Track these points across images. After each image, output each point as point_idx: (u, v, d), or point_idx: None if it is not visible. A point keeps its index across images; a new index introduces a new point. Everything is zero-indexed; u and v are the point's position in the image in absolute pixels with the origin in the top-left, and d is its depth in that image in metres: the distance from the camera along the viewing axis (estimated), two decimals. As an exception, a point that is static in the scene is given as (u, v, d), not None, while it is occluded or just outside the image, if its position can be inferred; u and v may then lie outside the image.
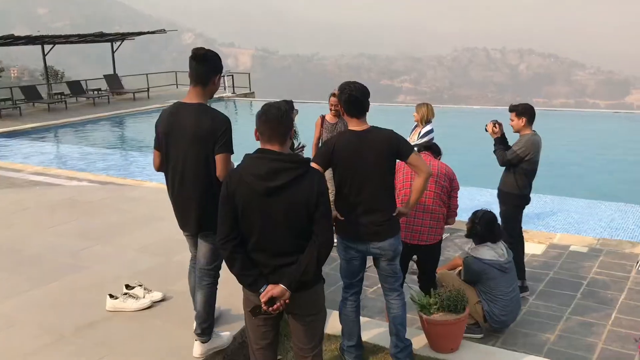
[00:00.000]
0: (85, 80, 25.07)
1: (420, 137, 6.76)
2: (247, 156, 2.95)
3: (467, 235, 4.88)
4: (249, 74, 26.54)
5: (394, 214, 3.85)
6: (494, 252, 4.64)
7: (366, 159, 3.70)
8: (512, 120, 5.36)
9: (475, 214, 4.85)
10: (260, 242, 2.92)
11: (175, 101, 3.73)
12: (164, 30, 25.63)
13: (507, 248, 4.77)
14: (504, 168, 5.38)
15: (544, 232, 7.27)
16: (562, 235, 6.97)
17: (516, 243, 5.33)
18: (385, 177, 3.82)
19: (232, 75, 25.62)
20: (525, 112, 5.31)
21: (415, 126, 6.97)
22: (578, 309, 5.07)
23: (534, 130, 5.36)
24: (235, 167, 3.03)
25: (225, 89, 24.91)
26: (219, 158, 3.54)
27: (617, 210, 8.57)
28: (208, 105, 3.67)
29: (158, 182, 10.70)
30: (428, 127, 6.83)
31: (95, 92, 24.11)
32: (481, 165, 7.00)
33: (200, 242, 3.79)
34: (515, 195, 5.38)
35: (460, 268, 4.93)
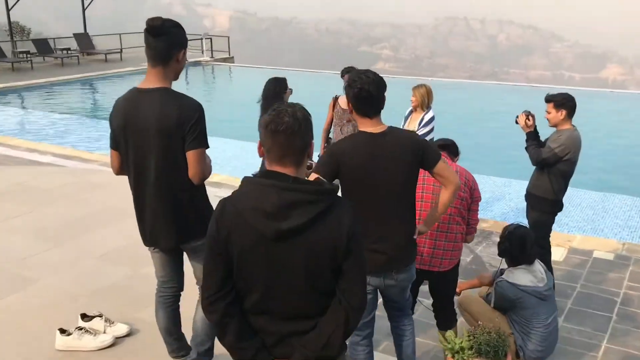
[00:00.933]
0: (54, 38, 23.54)
1: (422, 126, 5.90)
2: (246, 181, 2.08)
3: (499, 254, 4.11)
4: (228, 37, 25.18)
5: (414, 236, 3.10)
6: (531, 277, 3.88)
7: (384, 170, 2.90)
8: (549, 113, 4.59)
9: (505, 228, 4.09)
10: (263, 302, 2.08)
11: (131, 87, 2.89)
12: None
13: (546, 271, 4.01)
14: (529, 165, 4.68)
15: (560, 232, 6.57)
16: (583, 238, 6.31)
17: (545, 254, 4.65)
18: (408, 192, 3.03)
19: (211, 39, 24.32)
20: (565, 103, 4.54)
21: (411, 112, 6.08)
22: (617, 335, 4.43)
23: (573, 125, 4.59)
24: (230, 195, 2.16)
25: (203, 53, 23.67)
26: (191, 155, 2.79)
27: (633, 206, 7.91)
28: (172, 89, 2.85)
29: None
30: (430, 114, 5.95)
31: (64, 52, 22.58)
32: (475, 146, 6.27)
33: (192, 260, 3.08)
34: (549, 201, 4.66)
35: (487, 289, 4.18)
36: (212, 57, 23.91)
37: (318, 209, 1.99)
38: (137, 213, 3.01)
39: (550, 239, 4.89)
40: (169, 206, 2.90)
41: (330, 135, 6.32)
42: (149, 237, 3.02)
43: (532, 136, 4.67)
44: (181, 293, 3.24)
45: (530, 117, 4.67)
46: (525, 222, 4.76)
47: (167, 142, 2.78)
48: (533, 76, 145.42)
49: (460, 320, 4.15)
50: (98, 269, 4.73)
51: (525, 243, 3.93)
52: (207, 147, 2.87)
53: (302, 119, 2.06)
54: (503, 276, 3.95)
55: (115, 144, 2.94)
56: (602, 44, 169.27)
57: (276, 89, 5.57)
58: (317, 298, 2.09)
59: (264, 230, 1.98)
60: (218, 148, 11.58)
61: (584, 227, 7.22)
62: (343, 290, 2.07)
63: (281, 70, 22.77)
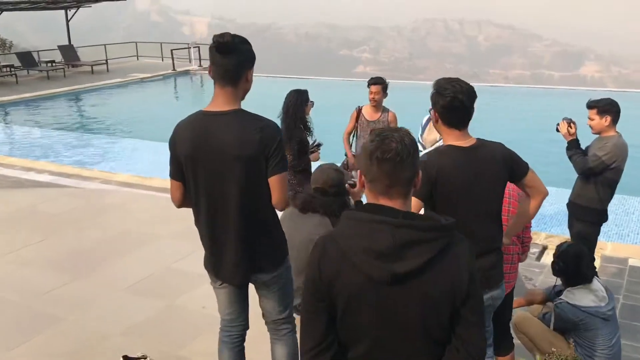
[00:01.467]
0: (38, 51, 23.00)
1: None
2: (348, 216, 1.84)
3: (554, 274, 3.91)
4: (216, 45, 24.79)
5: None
6: (593, 296, 3.67)
7: (480, 186, 2.69)
8: (592, 120, 4.43)
9: (558, 247, 3.90)
10: (371, 353, 1.84)
11: (197, 111, 2.67)
12: (124, -3, 23.65)
13: (606, 288, 3.81)
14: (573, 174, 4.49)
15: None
16: (615, 245, 6.16)
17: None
18: (500, 207, 2.85)
19: (199, 47, 23.95)
20: (609, 109, 4.38)
21: (429, 120, 5.84)
22: (673, 351, 4.24)
23: (618, 132, 4.43)
24: (329, 233, 1.92)
25: (191, 62, 23.33)
26: (276, 180, 2.59)
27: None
28: (246, 110, 2.64)
29: (131, 174, 9.47)
30: None
31: (49, 64, 22.05)
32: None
33: (263, 294, 2.85)
34: (596, 211, 4.50)
35: (539, 308, 3.98)
36: (200, 65, 23.54)
37: (436, 248, 1.76)
38: (208, 247, 2.78)
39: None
40: (251, 237, 2.68)
41: (352, 150, 6.10)
42: (224, 273, 2.78)
43: (575, 144, 4.51)
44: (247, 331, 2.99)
45: (572, 125, 4.50)
46: (566, 233, 4.59)
47: (249, 168, 2.56)
48: (512, 76, 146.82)
49: (517, 343, 3.94)
50: (127, 303, 4.39)
51: (582, 261, 3.74)
52: (287, 170, 2.67)
53: (410, 145, 1.83)
54: (562, 297, 3.74)
55: (178, 174, 2.69)
56: (579, 42, 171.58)
57: (297, 101, 5.33)
58: (431, 348, 1.85)
59: (376, 274, 1.75)
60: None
61: (607, 233, 7.07)
62: (461, 338, 1.84)
63: (271, 78, 22.57)
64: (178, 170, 2.67)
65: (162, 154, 12.00)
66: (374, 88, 5.83)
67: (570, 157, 4.50)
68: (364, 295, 1.77)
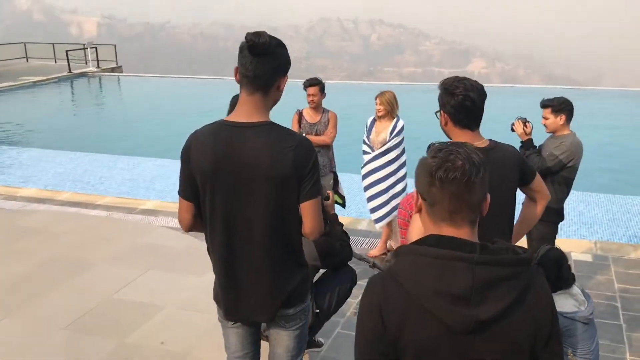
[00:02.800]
0: None
1: (395, 135, 5.56)
2: (410, 251, 1.56)
3: None
4: (115, 45, 23.56)
5: None
6: (574, 301, 3.63)
7: (499, 190, 2.48)
8: (547, 119, 4.45)
9: (537, 252, 3.83)
10: None
11: (218, 120, 2.28)
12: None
13: (583, 291, 3.80)
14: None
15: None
16: (557, 241, 6.29)
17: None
18: (514, 213, 2.72)
19: (96, 47, 22.58)
20: (564, 108, 4.42)
21: (374, 121, 5.72)
22: (634, 345, 4.33)
23: (571, 130, 4.48)
24: (384, 272, 1.63)
25: (88, 63, 21.96)
26: (309, 206, 2.26)
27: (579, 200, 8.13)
28: (278, 124, 2.28)
29: (38, 188, 8.62)
30: (401, 122, 5.62)
31: None
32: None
33: (277, 333, 2.46)
34: (553, 210, 4.51)
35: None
36: (98, 67, 22.19)
37: (520, 286, 1.52)
38: (224, 279, 2.37)
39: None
40: (276, 270, 2.32)
41: None
42: (244, 310, 2.38)
43: (530, 144, 4.50)
44: None
45: (527, 124, 4.49)
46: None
47: (280, 190, 2.20)
48: (406, 73, 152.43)
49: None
50: (72, 344, 3.79)
51: (562, 266, 3.69)
52: (322, 194, 2.34)
53: (479, 163, 1.58)
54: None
55: (190, 193, 2.29)
56: (465, 40, 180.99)
57: None
58: None
59: (454, 322, 1.48)
60: (136, 168, 10.74)
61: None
62: None
63: (178, 79, 21.74)
64: (191, 188, 2.26)
65: (68, 164, 11.15)
66: (311, 90, 5.61)
67: (526, 157, 4.48)
68: (438, 346, 1.51)
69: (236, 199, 2.22)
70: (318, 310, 3.41)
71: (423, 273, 1.50)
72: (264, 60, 2.16)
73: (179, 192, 2.32)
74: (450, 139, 2.66)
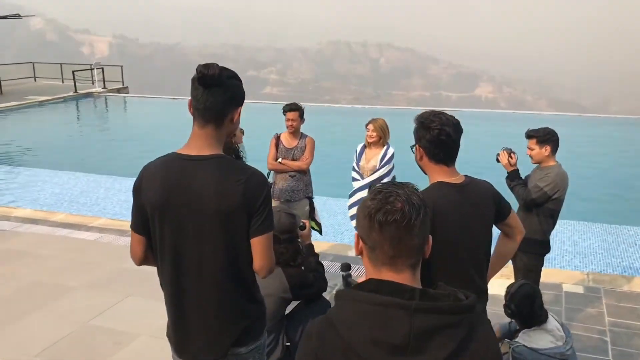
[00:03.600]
0: None
1: (385, 163, 5.51)
2: (347, 296, 1.51)
3: (508, 317, 3.78)
4: (122, 66, 23.80)
5: None
6: (551, 337, 3.56)
7: (476, 226, 2.49)
8: (532, 149, 4.40)
9: (507, 289, 3.76)
10: None
11: (170, 152, 2.24)
12: (20, 16, 22.11)
13: (562, 325, 3.72)
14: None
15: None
16: (547, 271, 6.17)
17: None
18: (490, 250, 2.66)
19: (102, 68, 22.79)
20: (549, 138, 4.36)
21: (364, 147, 5.68)
22: (622, 381, 4.24)
23: (557, 161, 4.43)
24: (323, 318, 1.57)
25: (94, 83, 22.15)
26: (259, 242, 2.19)
27: (574, 230, 8.03)
28: (228, 157, 2.25)
29: (33, 209, 8.61)
30: (392, 150, 5.59)
31: None
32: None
33: None
34: (538, 242, 4.45)
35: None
36: (104, 87, 22.38)
37: (461, 334, 1.45)
38: (173, 317, 2.31)
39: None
40: (227, 308, 2.25)
41: (270, 179, 5.76)
42: (192, 350, 2.31)
43: (516, 175, 4.45)
44: None
45: (512, 155, 4.44)
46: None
47: (228, 226, 2.14)
48: (413, 97, 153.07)
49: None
50: None
51: (534, 303, 3.63)
52: (273, 229, 2.27)
53: (419, 204, 1.52)
54: (519, 339, 3.60)
55: (141, 226, 2.24)
56: (473, 64, 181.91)
57: None
58: None
59: None
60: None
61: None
62: None
63: (183, 100, 21.84)
64: (142, 221, 2.22)
65: (65, 185, 11.16)
66: (290, 115, 5.60)
67: (512, 188, 4.43)
68: None
69: (184, 233, 2.17)
70: (289, 343, 3.34)
71: (360, 320, 1.44)
72: (214, 92, 2.13)
73: (131, 225, 2.28)
74: (425, 174, 2.62)
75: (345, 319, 1.47)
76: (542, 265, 4.63)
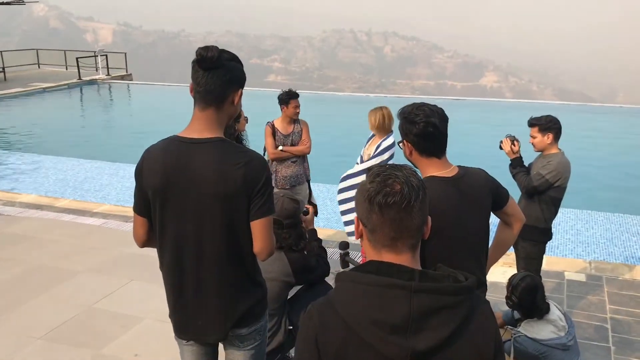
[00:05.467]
0: None
1: (377, 154, 5.44)
2: (347, 278, 1.51)
3: (510, 308, 3.80)
4: (125, 53, 23.75)
5: None
6: (552, 327, 3.57)
7: (471, 218, 2.44)
8: (534, 137, 4.38)
9: (509, 281, 3.76)
10: None
11: (171, 135, 2.25)
12: (23, 2, 22.05)
13: (565, 314, 3.73)
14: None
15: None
16: (550, 259, 6.20)
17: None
18: (488, 239, 2.61)
19: (106, 55, 22.76)
20: (551, 126, 4.34)
21: (373, 136, 5.64)
22: (623, 368, 4.25)
23: (560, 149, 4.41)
24: (323, 299, 1.58)
25: (98, 70, 22.14)
26: (259, 225, 2.22)
27: (578, 219, 8.03)
28: (229, 140, 2.25)
29: (37, 195, 8.65)
30: (389, 140, 5.49)
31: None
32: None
33: (232, 353, 2.43)
34: (540, 230, 4.44)
35: (502, 334, 3.84)
36: (108, 74, 22.37)
37: (460, 315, 1.46)
38: (173, 298, 2.35)
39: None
40: (227, 290, 2.28)
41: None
42: (193, 330, 2.34)
43: (519, 162, 4.44)
44: None
45: (515, 142, 4.43)
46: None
47: (228, 209, 2.16)
48: (418, 86, 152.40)
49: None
50: (45, 355, 3.75)
51: (535, 295, 3.63)
52: (274, 213, 2.29)
53: (418, 186, 1.53)
54: (521, 329, 3.61)
55: (143, 208, 2.27)
56: (478, 54, 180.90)
57: None
58: None
59: (392, 353, 1.42)
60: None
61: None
62: None
63: (182, 87, 21.80)
64: (144, 204, 2.24)
65: (69, 171, 11.20)
66: (295, 102, 5.60)
67: (514, 176, 4.43)
68: None
69: (185, 216, 2.18)
70: (291, 327, 3.36)
71: (361, 301, 1.45)
72: (214, 74, 2.14)
73: (134, 208, 2.30)
74: (416, 168, 2.61)
75: (346, 300, 1.48)
76: (543, 253, 4.63)
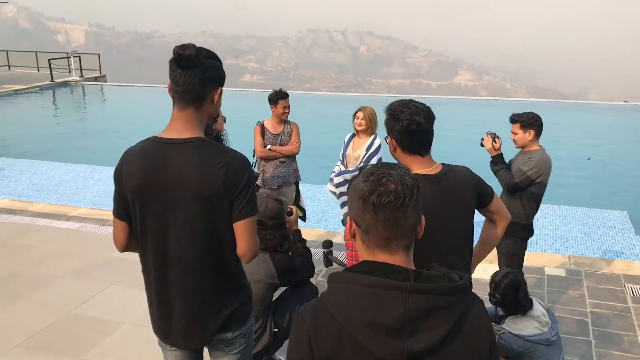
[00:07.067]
0: None
1: (372, 153, 5.43)
2: (340, 279, 1.49)
3: (492, 304, 3.81)
4: (99, 54, 23.41)
5: None
6: (536, 323, 3.60)
7: (455, 215, 2.43)
8: (516, 134, 4.42)
9: (492, 278, 3.77)
10: None
11: (149, 137, 2.19)
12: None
13: (548, 310, 3.75)
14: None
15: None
16: (529, 254, 6.22)
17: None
18: (472, 236, 2.61)
19: (79, 56, 22.41)
20: (532, 123, 4.39)
21: (353, 136, 5.62)
22: (604, 361, 4.30)
23: (541, 146, 4.46)
24: (316, 301, 1.55)
25: (71, 72, 21.79)
26: (242, 226, 2.15)
27: (555, 214, 8.12)
28: (209, 140, 2.20)
29: (10, 199, 8.47)
30: (379, 140, 5.49)
31: None
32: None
33: (218, 356, 2.39)
34: (522, 226, 4.47)
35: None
36: (82, 76, 22.02)
37: (455, 315, 1.44)
38: (154, 304, 2.28)
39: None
40: (210, 294, 2.22)
41: (255, 169, 5.71)
42: (175, 336, 2.28)
43: (500, 159, 4.47)
44: None
45: (497, 139, 4.46)
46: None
47: (210, 210, 2.11)
48: (394, 85, 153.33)
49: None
50: None
51: (518, 292, 3.65)
52: (257, 213, 2.23)
53: (413, 185, 1.51)
54: (504, 326, 3.63)
55: (123, 212, 2.20)
56: (452, 53, 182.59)
57: None
58: None
59: (387, 354, 1.40)
60: (112, 180, 10.61)
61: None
62: None
63: (162, 88, 21.56)
64: (124, 207, 2.18)
65: (43, 174, 10.98)
66: (284, 102, 5.57)
67: (495, 172, 4.45)
68: None
69: (165, 219, 2.13)
70: (277, 329, 3.32)
71: (354, 302, 1.42)
72: (193, 73, 2.09)
73: (113, 211, 2.24)
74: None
75: (339, 302, 1.45)
76: (525, 249, 4.66)
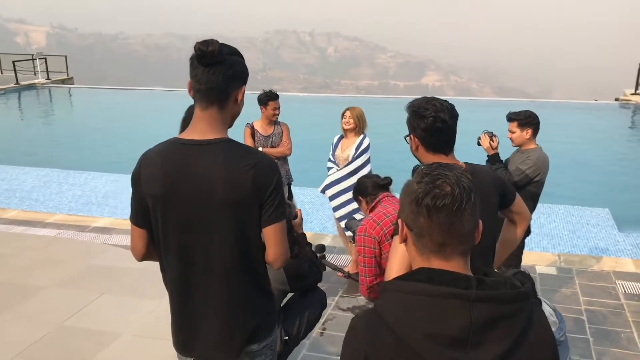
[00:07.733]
0: None
1: (362, 153, 5.38)
2: (395, 288, 1.40)
3: None
4: (66, 56, 22.85)
5: None
6: (545, 323, 3.58)
7: (481, 216, 2.38)
8: (513, 132, 4.45)
9: (502, 274, 3.76)
10: None
11: (170, 138, 2.07)
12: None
13: (555, 310, 3.73)
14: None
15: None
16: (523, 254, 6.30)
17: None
18: (496, 238, 2.60)
19: (45, 58, 21.85)
20: (530, 122, 4.43)
21: (341, 137, 5.57)
22: (602, 359, 4.30)
23: (538, 144, 4.49)
24: (369, 312, 1.46)
25: (37, 74, 21.23)
26: (272, 231, 2.04)
27: (540, 212, 8.18)
28: (236, 141, 2.06)
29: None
30: (367, 139, 5.46)
31: None
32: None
33: None
34: (519, 226, 4.46)
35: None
36: (48, 78, 21.47)
37: (519, 324, 1.38)
38: (179, 314, 2.15)
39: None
40: (239, 304, 2.10)
41: None
42: (203, 348, 2.15)
43: (497, 158, 4.47)
44: None
45: (494, 138, 4.46)
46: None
47: (239, 216, 1.99)
48: (362, 85, 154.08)
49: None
50: None
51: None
52: (287, 217, 2.12)
53: (469, 187, 1.44)
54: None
55: (142, 219, 2.07)
56: (420, 53, 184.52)
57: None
58: None
59: None
60: (88, 184, 10.32)
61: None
62: None
63: (131, 90, 21.17)
64: (142, 214, 2.05)
65: (14, 180, 10.61)
66: (274, 104, 5.53)
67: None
68: None
69: (191, 226, 2.00)
70: (287, 337, 3.22)
71: (414, 313, 1.34)
72: (216, 71, 1.96)
73: (130, 218, 2.10)
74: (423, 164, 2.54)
75: (396, 312, 1.36)
76: (523, 248, 4.70)
